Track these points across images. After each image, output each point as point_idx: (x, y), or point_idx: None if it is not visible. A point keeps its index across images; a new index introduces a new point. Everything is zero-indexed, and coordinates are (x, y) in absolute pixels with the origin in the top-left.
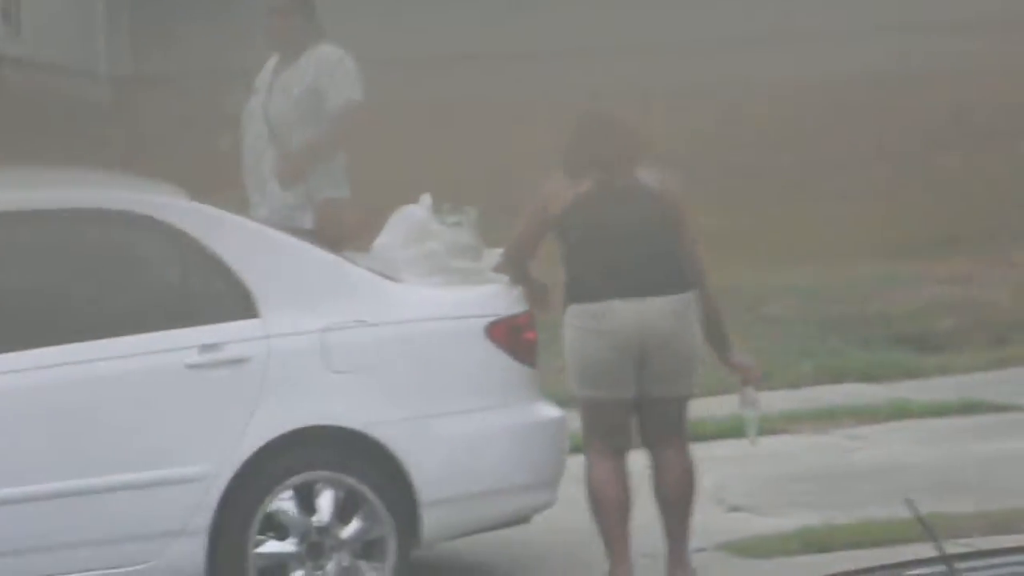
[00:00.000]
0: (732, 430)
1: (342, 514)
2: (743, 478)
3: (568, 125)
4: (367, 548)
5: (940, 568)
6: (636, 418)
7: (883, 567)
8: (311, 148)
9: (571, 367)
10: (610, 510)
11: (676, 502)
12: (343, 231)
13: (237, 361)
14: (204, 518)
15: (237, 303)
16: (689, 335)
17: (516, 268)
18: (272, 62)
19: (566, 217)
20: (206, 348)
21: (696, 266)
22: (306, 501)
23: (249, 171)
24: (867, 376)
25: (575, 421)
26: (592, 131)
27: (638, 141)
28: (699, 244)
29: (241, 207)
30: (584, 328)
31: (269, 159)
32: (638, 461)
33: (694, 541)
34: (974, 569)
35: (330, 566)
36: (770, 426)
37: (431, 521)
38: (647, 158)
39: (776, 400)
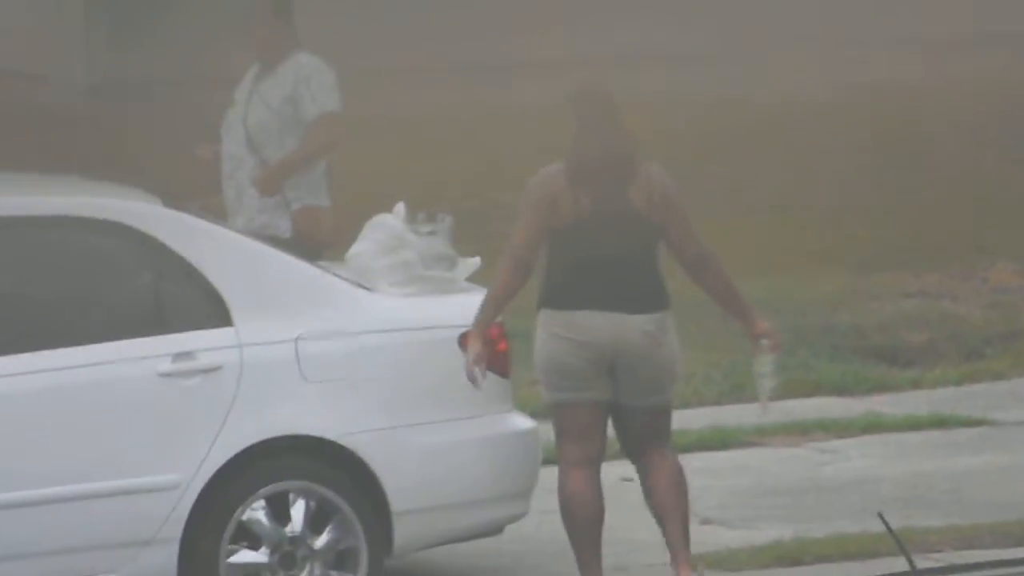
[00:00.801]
0: (706, 442)
1: (315, 524)
2: (715, 491)
3: (575, 126)
4: (339, 558)
5: None
6: (614, 428)
7: None
8: (288, 159)
9: (541, 371)
10: (582, 521)
11: (669, 507)
12: (320, 239)
13: (210, 370)
14: (176, 527)
15: (210, 311)
16: (664, 351)
17: (524, 273)
18: (252, 72)
19: (562, 231)
20: (179, 356)
21: (700, 247)
22: (279, 511)
23: (228, 179)
24: (839, 389)
25: (548, 432)
26: (596, 147)
27: (636, 159)
28: (697, 234)
29: (220, 214)
30: (556, 334)
31: (248, 168)
32: (611, 471)
33: (661, 552)
34: None
35: None
36: (742, 439)
37: (403, 531)
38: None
39: (747, 413)
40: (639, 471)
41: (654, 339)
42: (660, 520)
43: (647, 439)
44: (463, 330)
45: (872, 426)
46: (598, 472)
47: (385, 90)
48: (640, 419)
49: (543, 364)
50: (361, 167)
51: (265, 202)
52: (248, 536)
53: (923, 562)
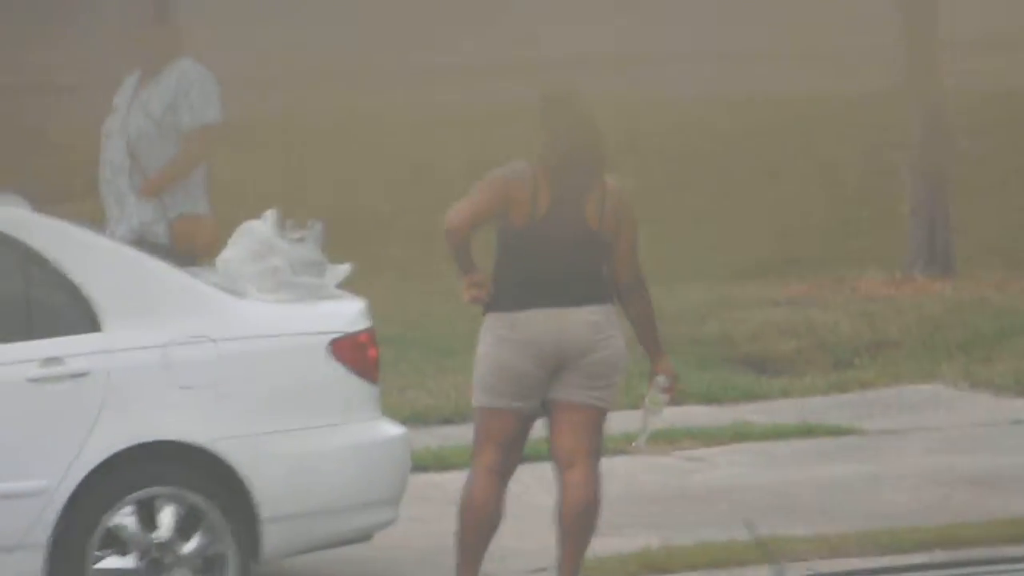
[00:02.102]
0: None
1: (183, 530)
2: None
3: (548, 127)
4: (207, 564)
5: None
6: (550, 431)
7: None
8: (169, 170)
9: (481, 376)
10: (479, 530)
11: (571, 536)
12: (197, 246)
13: (78, 375)
14: (43, 532)
15: (79, 316)
16: (609, 343)
17: (462, 238)
18: (132, 79)
19: (512, 232)
20: (48, 361)
21: (637, 273)
22: (147, 516)
23: (107, 185)
24: (707, 398)
25: (417, 439)
26: (569, 149)
27: (603, 167)
28: (638, 261)
29: (95, 220)
30: (502, 337)
31: (127, 174)
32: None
33: (532, 560)
34: None
35: None
36: (610, 446)
37: (272, 538)
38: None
39: (616, 421)
40: (560, 483)
41: (599, 330)
42: (561, 537)
43: (578, 447)
44: (333, 336)
45: (740, 435)
46: (506, 484)
47: (273, 98)
48: (577, 417)
49: (486, 367)
50: (248, 173)
51: (143, 209)
52: (116, 542)
53: (790, 571)
